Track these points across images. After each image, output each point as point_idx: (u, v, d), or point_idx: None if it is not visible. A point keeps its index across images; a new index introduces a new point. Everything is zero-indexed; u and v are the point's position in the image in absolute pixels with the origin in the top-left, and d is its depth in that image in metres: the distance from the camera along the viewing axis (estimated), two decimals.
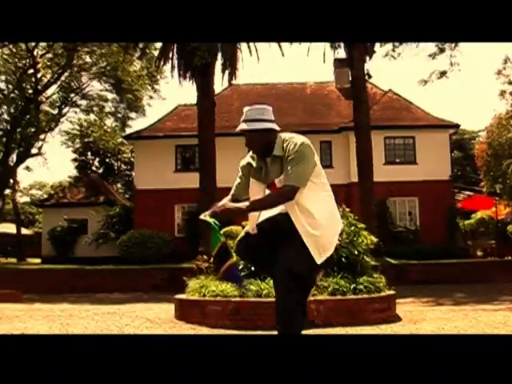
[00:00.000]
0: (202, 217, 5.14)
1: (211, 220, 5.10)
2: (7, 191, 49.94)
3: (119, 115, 50.92)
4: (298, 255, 4.95)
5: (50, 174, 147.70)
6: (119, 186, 63.03)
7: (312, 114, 39.45)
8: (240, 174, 5.53)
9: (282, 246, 5.05)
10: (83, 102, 47.75)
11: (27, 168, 53.20)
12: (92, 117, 53.20)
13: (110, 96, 48.37)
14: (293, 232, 5.01)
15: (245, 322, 8.32)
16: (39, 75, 40.27)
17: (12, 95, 39.60)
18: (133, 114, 50.79)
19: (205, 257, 11.59)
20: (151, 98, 48.33)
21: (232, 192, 5.52)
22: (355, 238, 9.68)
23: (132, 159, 52.34)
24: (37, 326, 8.99)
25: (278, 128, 5.27)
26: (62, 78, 42.24)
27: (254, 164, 5.40)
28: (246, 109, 5.38)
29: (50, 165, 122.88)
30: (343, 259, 9.24)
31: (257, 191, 5.32)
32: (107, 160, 60.56)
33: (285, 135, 5.26)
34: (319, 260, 5.02)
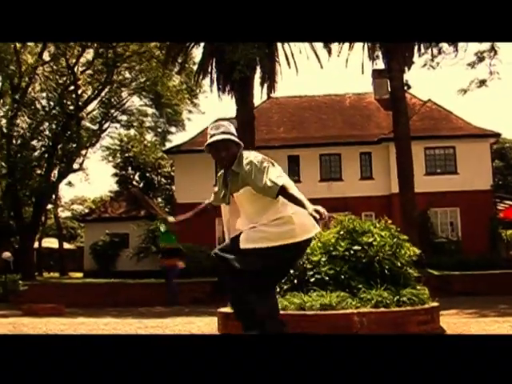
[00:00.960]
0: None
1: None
2: (49, 206, 50.43)
3: (159, 130, 51.26)
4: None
5: (91, 188, 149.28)
6: (159, 200, 63.39)
7: (351, 125, 39.39)
8: (217, 183, 5.97)
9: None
10: (123, 118, 48.18)
11: (69, 183, 53.74)
12: (132, 132, 53.68)
13: (149, 111, 48.72)
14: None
15: None
16: (80, 91, 40.68)
17: (53, 112, 40.04)
18: (172, 129, 51.10)
19: None
20: (190, 112, 48.55)
21: (210, 199, 6.13)
22: (398, 250, 9.61)
23: (172, 173, 52.64)
24: None
25: (241, 143, 5.60)
26: (102, 94, 42.62)
27: (221, 180, 5.83)
28: (211, 125, 5.72)
29: (91, 180, 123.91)
30: (386, 271, 9.18)
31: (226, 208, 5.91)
32: (147, 174, 61.03)
33: (245, 153, 5.57)
34: (299, 238, 5.46)
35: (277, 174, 5.33)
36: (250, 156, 5.51)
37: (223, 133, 5.49)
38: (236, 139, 5.55)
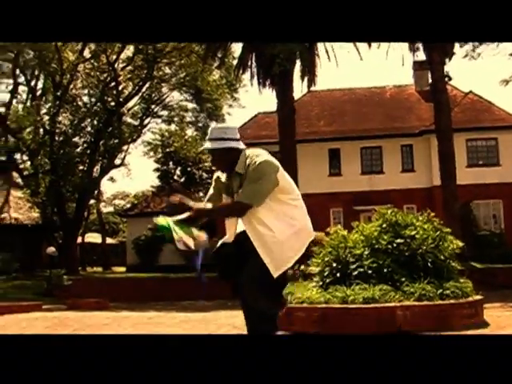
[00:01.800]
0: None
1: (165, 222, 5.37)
2: (92, 202, 50.93)
3: (200, 124, 51.45)
4: (258, 271, 5.14)
5: (132, 183, 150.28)
6: (201, 194, 63.59)
7: (392, 117, 39.14)
8: (213, 185, 5.80)
9: (248, 260, 5.25)
10: (164, 113, 48.43)
11: (111, 179, 54.19)
12: (173, 127, 53.91)
13: (190, 106, 48.90)
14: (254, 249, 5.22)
15: (331, 328, 8.31)
16: (121, 87, 40.97)
17: (95, 108, 40.39)
18: (213, 123, 51.18)
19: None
20: (231, 106, 48.68)
21: (205, 202, 5.80)
22: (441, 243, 9.57)
23: (213, 168, 52.70)
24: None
25: (241, 146, 5.41)
26: (143, 90, 42.91)
27: (223, 179, 5.63)
28: (210, 128, 5.63)
29: (133, 175, 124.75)
30: (429, 264, 9.15)
31: None
32: (188, 169, 61.15)
33: (249, 152, 5.39)
34: (275, 274, 5.16)
35: (259, 191, 5.23)
36: (254, 156, 5.32)
37: (216, 139, 5.36)
38: (230, 145, 5.36)
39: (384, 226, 9.61)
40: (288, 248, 5.24)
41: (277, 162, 5.33)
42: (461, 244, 10.19)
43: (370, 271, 8.98)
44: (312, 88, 33.15)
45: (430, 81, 31.28)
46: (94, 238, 59.57)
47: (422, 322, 8.33)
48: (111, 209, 78.71)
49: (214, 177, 5.81)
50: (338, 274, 9.19)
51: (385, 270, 9.00)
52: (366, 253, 9.23)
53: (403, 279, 8.88)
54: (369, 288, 8.65)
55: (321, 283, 9.44)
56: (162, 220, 5.32)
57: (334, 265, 9.33)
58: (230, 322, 10.68)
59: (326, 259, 9.56)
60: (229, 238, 5.60)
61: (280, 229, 5.22)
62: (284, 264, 5.25)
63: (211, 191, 5.83)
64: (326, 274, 9.40)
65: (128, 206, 64.70)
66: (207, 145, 5.40)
